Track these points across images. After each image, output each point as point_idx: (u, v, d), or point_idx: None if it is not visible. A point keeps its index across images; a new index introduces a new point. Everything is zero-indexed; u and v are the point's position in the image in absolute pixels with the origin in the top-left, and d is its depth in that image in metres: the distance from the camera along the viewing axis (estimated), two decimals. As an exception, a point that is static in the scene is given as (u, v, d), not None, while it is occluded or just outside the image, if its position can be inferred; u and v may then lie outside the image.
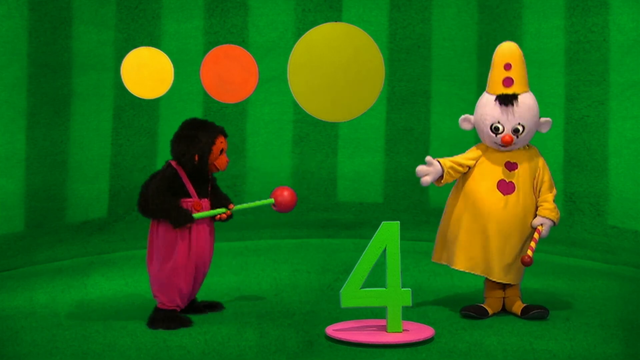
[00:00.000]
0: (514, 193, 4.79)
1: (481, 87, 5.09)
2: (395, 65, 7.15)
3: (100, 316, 4.75)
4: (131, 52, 5.29)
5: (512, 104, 4.77)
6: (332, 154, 7.20)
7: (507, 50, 4.82)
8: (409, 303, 4.47)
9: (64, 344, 4.32)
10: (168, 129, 5.66)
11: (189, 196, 4.72)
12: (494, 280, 4.82)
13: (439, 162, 4.84)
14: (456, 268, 4.85)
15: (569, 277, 5.64)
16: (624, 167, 6.79)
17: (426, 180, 4.82)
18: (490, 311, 4.85)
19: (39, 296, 5.12)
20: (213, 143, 4.72)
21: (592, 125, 6.88)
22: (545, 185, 4.84)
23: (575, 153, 6.91)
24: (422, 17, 7.17)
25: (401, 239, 4.46)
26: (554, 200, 4.85)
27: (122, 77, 5.29)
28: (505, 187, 4.81)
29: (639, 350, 4.34)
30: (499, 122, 4.79)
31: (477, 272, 4.83)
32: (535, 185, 4.84)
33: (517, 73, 4.81)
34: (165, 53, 5.32)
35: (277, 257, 6.01)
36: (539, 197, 4.83)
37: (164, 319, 4.65)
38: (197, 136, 4.70)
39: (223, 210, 4.79)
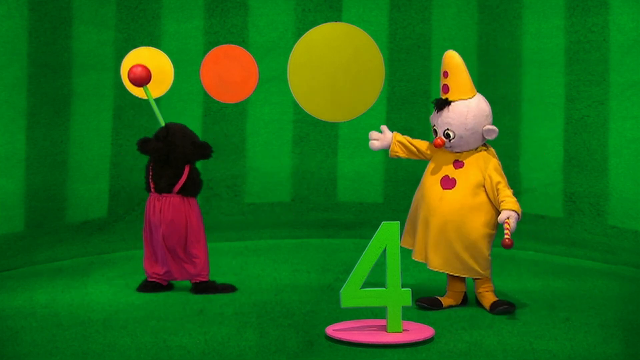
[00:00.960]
0: (452, 189, 4.88)
1: (480, 87, 5.09)
2: (395, 65, 7.15)
3: (100, 316, 4.75)
4: (131, 52, 5.30)
5: (443, 109, 4.88)
6: (332, 154, 7.19)
7: (445, 59, 4.94)
8: (409, 303, 4.47)
9: (64, 344, 4.31)
10: (168, 129, 5.65)
11: None
12: (431, 269, 4.96)
13: (392, 134, 5.05)
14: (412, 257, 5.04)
15: (569, 277, 5.64)
16: (624, 167, 6.78)
17: (373, 144, 5.07)
18: (444, 304, 4.96)
19: (39, 296, 5.12)
20: None
21: (592, 125, 6.87)
22: (502, 184, 4.88)
23: (575, 153, 6.90)
24: (422, 17, 7.16)
25: (401, 239, 4.46)
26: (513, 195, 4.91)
27: (122, 77, 5.29)
28: (446, 183, 4.91)
29: (639, 350, 4.34)
30: (434, 126, 4.93)
31: (420, 259, 5.00)
32: (489, 187, 4.87)
33: (453, 81, 4.90)
34: (165, 53, 5.32)
35: (277, 257, 6.01)
36: (498, 196, 4.86)
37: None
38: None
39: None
